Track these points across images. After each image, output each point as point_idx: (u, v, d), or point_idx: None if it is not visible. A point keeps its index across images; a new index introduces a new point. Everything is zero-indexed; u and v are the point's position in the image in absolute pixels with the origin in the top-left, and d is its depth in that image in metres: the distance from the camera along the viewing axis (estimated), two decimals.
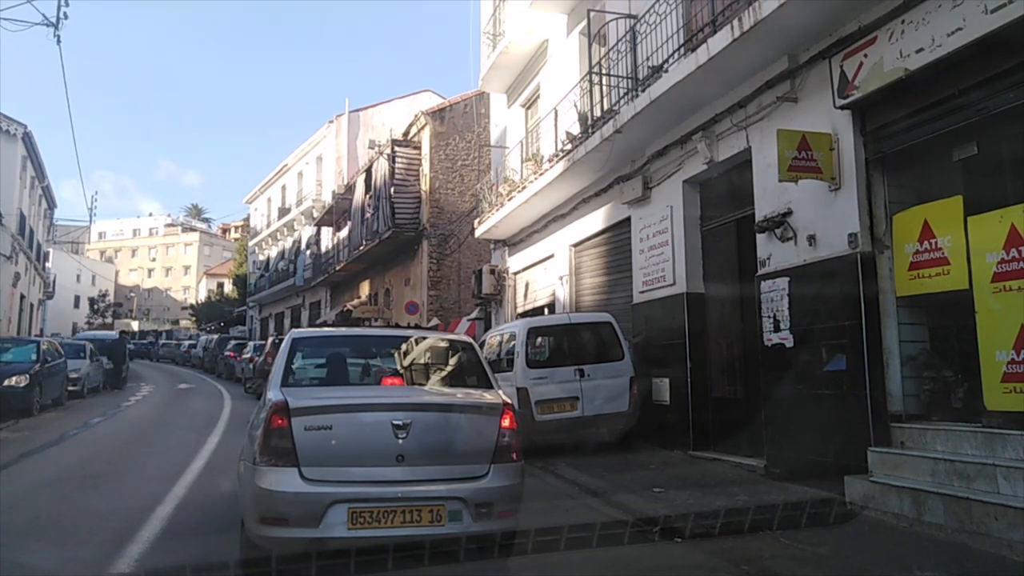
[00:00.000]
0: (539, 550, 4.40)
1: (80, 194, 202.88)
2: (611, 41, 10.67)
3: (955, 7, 5.29)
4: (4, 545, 4.94)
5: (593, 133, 10.16)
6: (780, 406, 7.14)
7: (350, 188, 27.32)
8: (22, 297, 26.64)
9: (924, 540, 4.94)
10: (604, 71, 10.54)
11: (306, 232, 34.71)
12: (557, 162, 11.39)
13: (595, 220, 11.81)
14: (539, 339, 10.05)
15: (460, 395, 4.85)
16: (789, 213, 7.13)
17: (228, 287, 56.43)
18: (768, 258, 7.45)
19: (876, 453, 5.80)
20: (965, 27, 5.20)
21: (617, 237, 11.25)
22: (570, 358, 9.32)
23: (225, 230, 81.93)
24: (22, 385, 13.39)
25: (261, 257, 43.54)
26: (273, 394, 4.26)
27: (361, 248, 24.75)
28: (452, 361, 5.37)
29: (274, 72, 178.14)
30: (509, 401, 4.62)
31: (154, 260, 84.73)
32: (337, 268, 28.14)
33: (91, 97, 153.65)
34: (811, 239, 6.86)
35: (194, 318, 60.26)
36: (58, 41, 24.57)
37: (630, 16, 10.00)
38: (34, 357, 14.41)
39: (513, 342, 9.38)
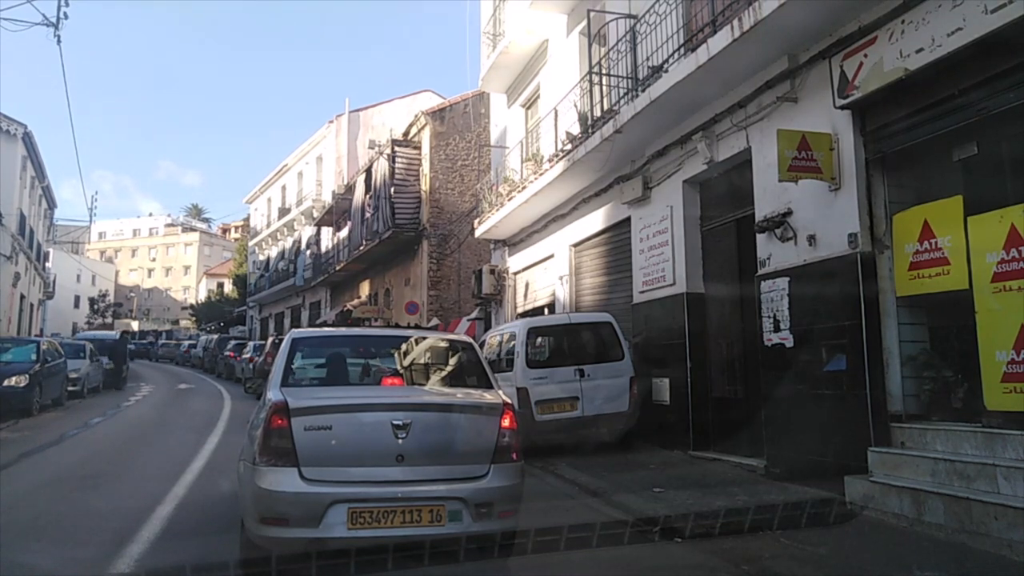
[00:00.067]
0: (539, 550, 4.39)
1: (80, 194, 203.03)
2: (611, 41, 10.67)
3: (955, 7, 5.29)
4: (4, 545, 4.94)
5: (593, 133, 10.16)
6: (780, 406, 7.14)
7: (350, 188, 27.32)
8: (22, 297, 26.64)
9: (924, 540, 4.93)
10: (604, 71, 10.54)
11: (306, 232, 34.71)
12: (557, 162, 11.39)
13: (595, 220, 11.81)
14: (539, 339, 10.05)
15: (460, 395, 4.85)
16: (789, 213, 7.13)
17: (228, 287, 56.44)
18: (768, 258, 7.45)
19: (876, 453, 5.80)
20: (965, 27, 5.20)
21: (617, 237, 11.25)
22: (570, 358, 9.32)
23: (225, 230, 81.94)
24: (22, 385, 13.39)
25: (261, 257, 43.55)
26: (273, 394, 4.26)
27: (361, 248, 24.75)
28: (452, 361, 5.37)
29: (274, 72, 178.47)
30: (509, 401, 4.62)
31: (154, 260, 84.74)
32: (337, 268, 28.14)
33: (91, 97, 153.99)
34: (811, 239, 6.86)
35: (194, 318, 60.27)
36: (58, 41, 24.67)
37: (630, 16, 10.00)
38: (34, 357, 14.41)
39: (513, 342, 9.37)
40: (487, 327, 16.74)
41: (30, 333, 26.56)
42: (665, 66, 8.61)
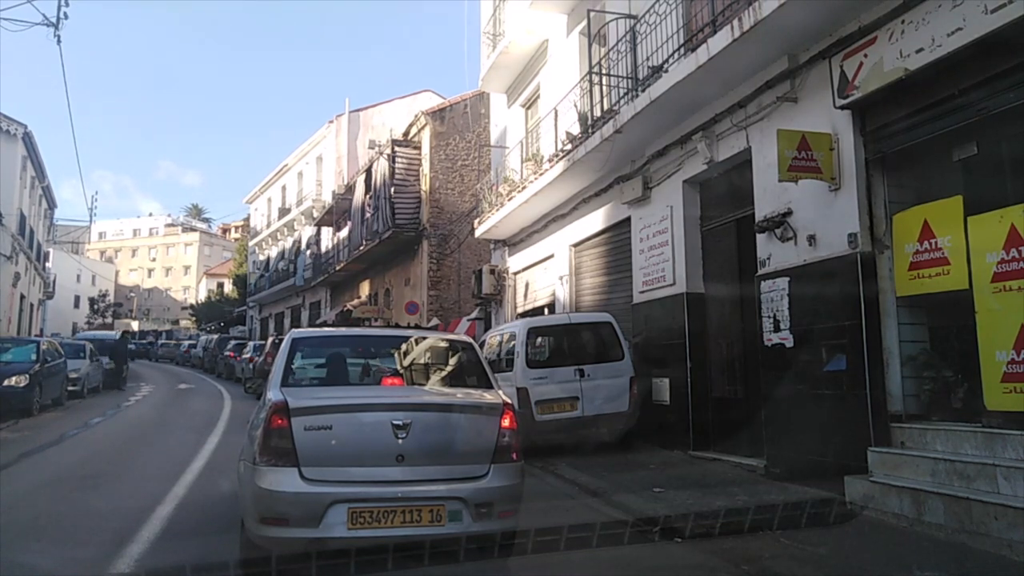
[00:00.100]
0: (539, 550, 4.39)
1: (80, 194, 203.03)
2: (611, 41, 10.67)
3: (955, 7, 5.29)
4: (4, 545, 4.94)
5: (593, 133, 10.16)
6: (780, 406, 7.14)
7: (350, 188, 27.32)
8: (22, 297, 26.64)
9: (924, 540, 4.93)
10: (604, 71, 10.54)
11: (306, 232, 34.72)
12: (557, 162, 11.39)
13: (595, 220, 11.81)
14: (539, 339, 10.05)
15: (460, 395, 4.85)
16: (789, 213, 7.13)
17: (228, 287, 56.44)
18: (768, 258, 7.45)
19: (876, 453, 5.80)
20: (965, 27, 5.20)
21: (617, 237, 11.25)
22: (570, 358, 9.32)
23: (225, 230, 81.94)
24: (22, 385, 13.39)
25: (261, 257, 43.55)
26: (273, 394, 4.26)
27: (361, 248, 24.75)
28: (452, 361, 5.37)
29: (274, 72, 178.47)
30: (509, 401, 4.62)
31: (154, 260, 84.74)
32: (337, 268, 28.14)
33: (91, 97, 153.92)
34: (811, 239, 6.86)
35: (194, 318, 60.27)
36: (58, 41, 24.67)
37: (630, 16, 10.00)
38: (34, 357, 14.41)
39: (513, 342, 9.37)
40: (487, 327, 16.74)
41: (30, 333, 26.56)
42: (665, 66, 8.61)
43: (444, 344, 5.68)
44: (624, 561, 4.81)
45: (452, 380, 5.19)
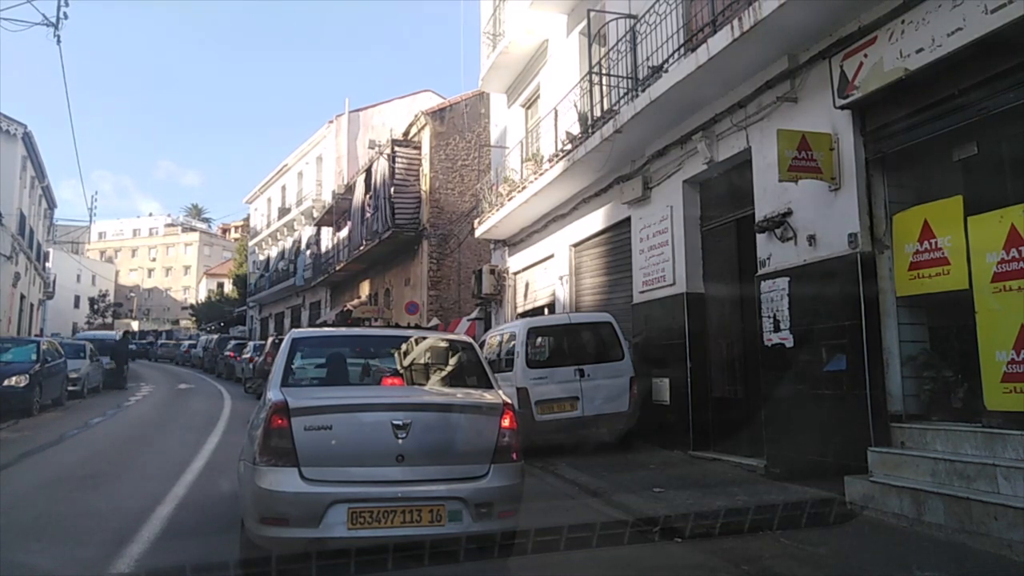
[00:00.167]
0: (539, 550, 4.39)
1: (80, 194, 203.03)
2: (611, 41, 10.67)
3: (955, 7, 5.29)
4: (4, 545, 4.94)
5: (593, 133, 10.16)
6: (780, 406, 7.14)
7: (350, 188, 27.32)
8: (22, 297, 26.64)
9: (924, 540, 4.93)
10: (604, 71, 10.54)
11: (306, 232, 34.72)
12: (557, 162, 11.39)
13: (595, 220, 11.81)
14: (539, 339, 10.05)
15: (460, 395, 4.85)
16: (789, 213, 7.13)
17: (228, 287, 56.43)
18: (768, 258, 7.45)
19: (876, 453, 5.80)
20: (965, 27, 5.20)
21: (617, 237, 11.25)
22: (570, 358, 9.32)
23: (225, 230, 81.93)
24: (22, 385, 13.39)
25: (261, 257, 43.55)
26: (273, 394, 4.26)
27: (361, 248, 24.75)
28: (452, 361, 5.37)
29: (274, 72, 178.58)
30: (509, 401, 4.62)
31: (154, 260, 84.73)
32: (337, 268, 28.14)
33: (91, 97, 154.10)
34: (811, 239, 6.86)
35: (194, 318, 60.26)
36: (58, 41, 24.58)
37: (630, 16, 10.00)
38: (34, 357, 14.42)
39: (513, 342, 9.38)
40: (487, 327, 16.74)
41: (30, 333, 26.56)
42: (665, 66, 8.61)
43: (444, 344, 5.68)
44: (624, 561, 4.81)
45: (452, 380, 5.19)
